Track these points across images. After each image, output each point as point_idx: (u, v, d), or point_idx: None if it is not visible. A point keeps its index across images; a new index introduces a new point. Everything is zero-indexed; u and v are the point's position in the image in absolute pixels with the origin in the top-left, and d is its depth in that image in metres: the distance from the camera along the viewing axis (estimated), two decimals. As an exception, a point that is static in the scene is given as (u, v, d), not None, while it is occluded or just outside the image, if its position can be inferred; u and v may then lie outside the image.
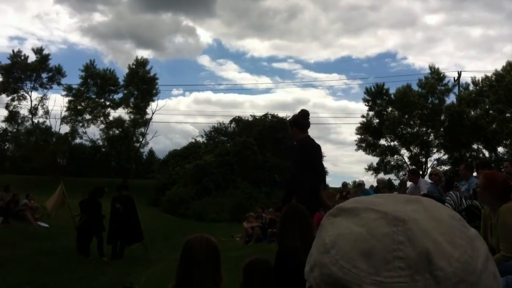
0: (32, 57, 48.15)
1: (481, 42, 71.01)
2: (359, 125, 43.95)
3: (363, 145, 43.97)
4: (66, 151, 54.69)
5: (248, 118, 45.91)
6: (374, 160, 44.43)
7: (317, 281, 0.68)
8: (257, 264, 3.57)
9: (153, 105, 49.15)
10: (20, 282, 8.90)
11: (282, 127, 39.74)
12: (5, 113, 47.91)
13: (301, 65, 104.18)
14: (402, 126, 41.61)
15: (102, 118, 48.78)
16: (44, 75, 48.68)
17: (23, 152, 47.53)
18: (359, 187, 14.13)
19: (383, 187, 12.10)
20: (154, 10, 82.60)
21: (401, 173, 42.87)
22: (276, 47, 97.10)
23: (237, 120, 47.36)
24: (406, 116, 40.99)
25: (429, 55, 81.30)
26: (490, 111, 37.24)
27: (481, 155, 38.44)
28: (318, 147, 6.42)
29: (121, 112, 48.95)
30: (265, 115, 43.54)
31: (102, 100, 48.50)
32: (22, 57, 48.06)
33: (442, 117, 39.73)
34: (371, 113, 43.50)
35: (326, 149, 66.61)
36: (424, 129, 41.43)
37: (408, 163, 42.63)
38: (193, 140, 46.12)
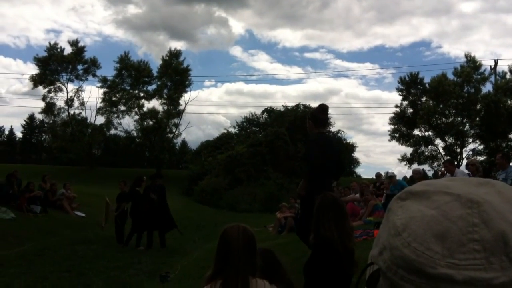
0: (68, 49, 49.04)
1: (518, 29, 69.18)
2: (392, 115, 43.37)
3: (397, 135, 43.39)
4: (101, 142, 55.65)
5: (280, 108, 45.87)
6: (408, 150, 43.84)
7: (387, 264, 0.68)
8: (261, 253, 3.53)
9: (186, 96, 49.53)
10: (58, 270, 9.10)
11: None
12: (42, 104, 48.96)
13: (333, 55, 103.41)
14: (436, 116, 40.81)
15: (136, 109, 49.38)
16: (79, 67, 49.48)
17: (59, 143, 48.42)
18: (390, 180, 13.79)
19: (418, 178, 11.91)
20: (187, 1, 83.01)
21: (435, 163, 42.18)
22: (308, 37, 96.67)
23: (269, 111, 47.35)
24: (441, 106, 40.19)
25: (464, 43, 79.81)
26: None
27: (517, 145, 37.55)
28: (333, 145, 6.18)
29: (155, 103, 49.47)
30: (297, 106, 43.40)
31: (136, 91, 49.07)
32: (58, 50, 48.94)
33: (478, 107, 38.84)
34: (405, 102, 42.84)
35: (359, 139, 66.38)
36: (459, 118, 40.58)
37: (443, 153, 41.89)
38: (225, 131, 46.41)
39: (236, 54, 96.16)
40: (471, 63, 40.21)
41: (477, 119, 39.07)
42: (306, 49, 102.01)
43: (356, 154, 48.58)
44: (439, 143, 42.72)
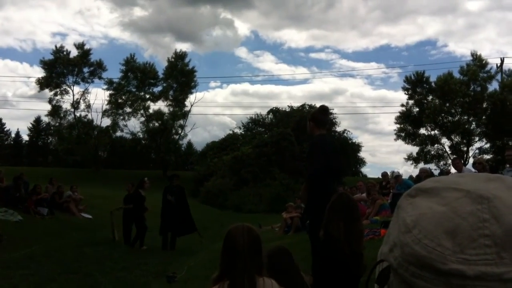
0: (74, 52, 49.33)
1: (525, 27, 68.90)
2: (398, 114, 43.27)
3: (403, 134, 43.29)
4: (107, 144, 55.80)
5: (285, 109, 45.91)
6: (414, 149, 43.74)
7: (398, 260, 0.69)
8: (278, 252, 3.55)
9: (191, 98, 49.64)
10: (65, 272, 9.12)
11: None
12: (48, 107, 49.21)
13: (338, 55, 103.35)
14: (443, 115, 40.68)
15: (142, 111, 49.53)
16: (85, 69, 49.76)
17: (65, 146, 48.65)
18: (396, 179, 13.80)
19: (426, 176, 11.87)
20: (193, 3, 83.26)
21: (441, 162, 42.04)
22: (314, 37, 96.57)
23: (274, 111, 47.40)
24: (447, 104, 40.06)
25: (470, 42, 79.55)
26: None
27: (524, 143, 37.30)
28: (334, 146, 6.13)
29: (161, 105, 49.61)
30: (303, 106, 43.44)
31: (142, 93, 49.23)
32: (65, 52, 49.23)
33: (484, 105, 38.70)
34: (410, 101, 42.74)
35: (364, 139, 66.17)
36: (465, 117, 40.42)
37: (449, 152, 41.74)
38: (231, 132, 46.46)
39: (242, 55, 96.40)
40: (477, 62, 40.07)
41: (484, 117, 38.93)
42: (311, 50, 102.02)
43: (362, 154, 48.59)
44: (446, 142, 42.64)
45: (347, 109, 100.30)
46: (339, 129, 44.04)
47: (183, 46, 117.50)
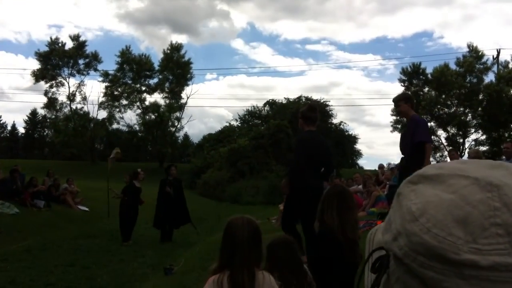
0: (69, 44, 49.08)
1: (521, 18, 68.96)
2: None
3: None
4: (103, 136, 55.72)
5: (281, 101, 45.84)
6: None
7: (404, 250, 0.66)
8: (280, 242, 3.57)
9: (187, 90, 49.55)
10: (62, 264, 9.15)
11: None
12: (44, 99, 49.07)
13: (335, 47, 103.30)
14: (439, 106, 40.75)
15: (138, 103, 49.43)
16: (81, 61, 49.55)
17: (62, 138, 48.52)
18: (392, 171, 13.81)
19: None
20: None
21: (437, 154, 42.16)
22: (310, 29, 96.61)
23: (271, 103, 47.32)
24: (443, 96, 40.11)
25: (467, 33, 79.56)
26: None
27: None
28: (321, 143, 6.34)
29: (157, 97, 49.51)
30: (299, 98, 43.39)
31: (138, 85, 49.09)
32: (60, 44, 48.96)
33: (480, 97, 38.71)
34: (407, 93, 42.77)
35: (361, 131, 65.97)
36: (461, 109, 40.49)
37: (445, 144, 41.85)
38: (228, 124, 46.38)
39: (238, 47, 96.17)
40: (474, 53, 40.09)
41: (480, 109, 38.97)
42: (307, 41, 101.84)
43: (358, 146, 48.50)
44: (442, 133, 42.71)
45: (344, 101, 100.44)
46: (335, 121, 44.00)
47: (179, 38, 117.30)
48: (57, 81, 48.92)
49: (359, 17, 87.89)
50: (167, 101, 48.93)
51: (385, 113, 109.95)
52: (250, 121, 48.57)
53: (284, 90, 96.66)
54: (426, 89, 41.79)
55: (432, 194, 0.67)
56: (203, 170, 36.71)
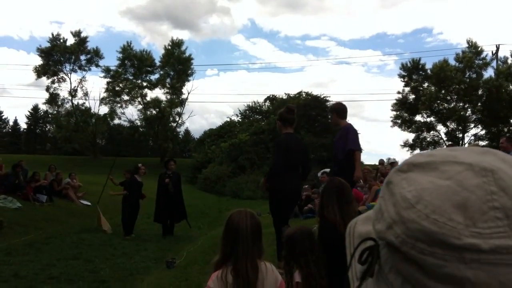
0: (71, 40, 49.07)
1: (522, 14, 68.80)
2: (394, 101, 43.30)
3: (399, 121, 43.35)
4: (105, 132, 55.78)
5: (282, 96, 45.79)
6: (410, 136, 43.84)
7: (401, 238, 0.66)
8: (300, 233, 3.60)
9: (188, 86, 49.55)
10: (65, 258, 9.22)
11: (316, 105, 39.48)
12: (45, 95, 49.11)
13: (335, 42, 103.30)
14: (438, 102, 40.68)
15: (139, 99, 49.46)
16: (82, 57, 49.54)
17: (63, 134, 48.59)
18: (392, 165, 13.97)
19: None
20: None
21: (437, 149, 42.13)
22: (310, 25, 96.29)
23: (271, 99, 47.30)
24: (443, 92, 40.03)
25: (466, 29, 79.36)
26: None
27: (519, 129, 37.44)
28: (298, 144, 6.58)
29: (158, 93, 49.53)
30: (299, 93, 43.32)
31: (139, 81, 49.10)
32: (61, 40, 48.95)
33: (480, 92, 38.62)
34: (407, 89, 42.75)
35: (361, 126, 65.95)
36: (461, 104, 40.41)
37: (445, 139, 41.84)
38: (228, 119, 46.35)
39: (238, 43, 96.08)
40: (473, 49, 39.96)
41: (479, 104, 38.91)
42: (307, 37, 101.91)
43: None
44: (441, 128, 42.67)
45: (344, 96, 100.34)
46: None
47: (180, 34, 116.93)
48: (59, 76, 48.97)
49: (359, 13, 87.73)
50: (168, 97, 48.96)
51: (384, 109, 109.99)
52: (250, 117, 48.53)
53: (285, 86, 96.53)
54: (426, 84, 41.75)
55: (426, 181, 0.68)
56: (204, 165, 36.78)
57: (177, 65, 48.40)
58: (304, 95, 42.35)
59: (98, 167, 34.33)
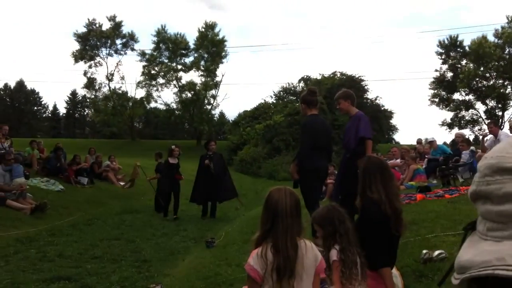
0: (106, 25, 49.68)
1: None
2: (432, 79, 42.40)
3: (437, 100, 42.51)
4: (142, 115, 56.52)
5: (316, 77, 45.39)
6: (448, 115, 42.97)
7: (476, 182, 0.79)
8: (331, 212, 3.59)
9: (222, 68, 49.60)
10: (107, 238, 9.44)
11: (351, 85, 38.97)
12: (83, 80, 50.00)
13: (370, 21, 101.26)
14: (477, 79, 39.66)
15: (174, 82, 49.84)
16: (118, 41, 50.14)
17: (102, 117, 49.46)
18: (431, 145, 13.82)
19: (462, 140, 11.74)
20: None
21: (476, 127, 41.23)
22: (346, 5, 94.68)
23: (306, 79, 46.92)
24: (482, 69, 38.98)
25: (505, 4, 76.66)
26: None
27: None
28: (323, 125, 6.65)
29: (193, 75, 49.80)
30: (334, 73, 42.83)
31: (174, 64, 49.40)
32: (97, 25, 49.63)
33: (520, 68, 37.54)
34: (444, 66, 41.79)
35: (397, 105, 64.90)
36: (500, 81, 39.31)
37: (484, 117, 40.86)
38: (263, 101, 46.29)
39: (272, 23, 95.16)
40: (512, 24, 38.76)
41: (519, 81, 37.86)
42: (342, 17, 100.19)
43: (394, 121, 47.75)
44: (480, 107, 41.71)
45: (380, 75, 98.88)
46: (370, 96, 43.31)
47: (214, 15, 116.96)
48: (96, 61, 49.77)
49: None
50: (203, 79, 49.18)
51: (422, 87, 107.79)
52: (285, 98, 48.35)
53: (319, 66, 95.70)
54: (464, 61, 40.72)
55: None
56: (240, 147, 36.93)
57: (211, 47, 48.46)
58: (338, 75, 41.85)
59: (136, 150, 34.96)
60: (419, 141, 17.22)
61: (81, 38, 48.74)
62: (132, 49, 50.14)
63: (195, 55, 49.39)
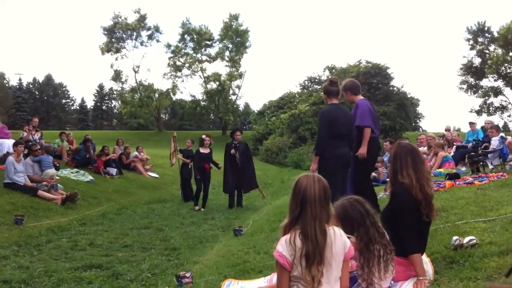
0: (131, 17, 50.07)
1: None
2: (460, 66, 41.65)
3: (465, 86, 41.77)
4: (168, 106, 56.93)
5: (341, 65, 45.04)
6: (477, 101, 42.27)
7: None
8: (354, 203, 3.54)
9: (247, 58, 49.57)
10: (137, 227, 9.56)
11: (377, 72, 38.57)
12: (110, 72, 50.61)
13: (395, 9, 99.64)
14: (506, 65, 38.79)
15: (200, 73, 50.04)
16: (143, 33, 50.52)
17: (129, 109, 49.98)
18: (470, 126, 14.90)
19: (491, 127, 11.55)
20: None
21: (505, 114, 40.43)
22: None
23: (331, 68, 46.65)
24: (511, 54, 38.10)
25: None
26: None
27: None
28: (344, 115, 6.60)
29: (218, 66, 49.97)
30: (359, 62, 42.45)
31: (199, 55, 49.59)
32: (123, 18, 50.08)
33: (551, 53, 36.60)
34: (472, 52, 40.98)
35: (425, 93, 63.96)
36: (530, 66, 38.46)
37: (513, 103, 40.07)
38: (288, 91, 46.18)
39: (295, 13, 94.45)
40: (545, 7, 37.76)
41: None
42: (368, 4, 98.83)
43: (421, 108, 47.16)
44: (509, 92, 40.83)
45: (406, 62, 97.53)
46: (397, 83, 42.82)
47: (237, 6, 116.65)
48: (122, 53, 50.27)
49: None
50: (228, 70, 49.28)
51: (449, 75, 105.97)
52: (310, 87, 48.15)
53: (344, 54, 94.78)
54: (492, 47, 39.85)
55: None
56: (265, 136, 36.99)
57: (235, 37, 48.47)
58: (364, 63, 41.45)
59: (163, 140, 35.23)
60: (447, 129, 17.01)
61: (108, 31, 49.23)
62: (157, 41, 50.53)
63: (220, 45, 49.50)
